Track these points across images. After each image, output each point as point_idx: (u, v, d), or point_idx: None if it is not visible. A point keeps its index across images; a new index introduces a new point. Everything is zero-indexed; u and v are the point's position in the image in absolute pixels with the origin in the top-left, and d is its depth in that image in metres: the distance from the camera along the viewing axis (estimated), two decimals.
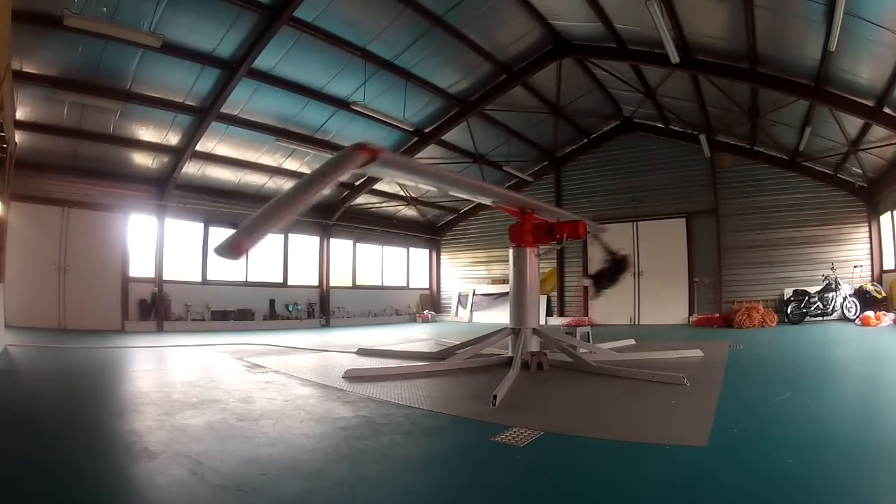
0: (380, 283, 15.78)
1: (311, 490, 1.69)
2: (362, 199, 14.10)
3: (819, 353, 6.05)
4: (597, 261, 6.44)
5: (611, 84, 11.59)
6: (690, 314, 12.23)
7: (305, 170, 12.26)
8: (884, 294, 9.87)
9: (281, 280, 13.19)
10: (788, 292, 10.95)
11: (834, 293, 10.07)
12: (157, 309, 10.49)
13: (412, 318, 15.91)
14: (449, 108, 11.35)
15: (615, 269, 6.00)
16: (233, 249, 2.19)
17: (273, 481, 1.76)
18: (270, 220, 2.33)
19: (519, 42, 9.83)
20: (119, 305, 10.15)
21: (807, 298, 10.28)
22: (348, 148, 2.83)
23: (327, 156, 11.42)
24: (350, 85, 9.56)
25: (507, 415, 2.76)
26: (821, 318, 10.26)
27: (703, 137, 11.51)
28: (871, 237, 10.73)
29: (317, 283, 13.94)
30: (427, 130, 11.79)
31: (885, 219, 10.34)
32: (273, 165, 11.67)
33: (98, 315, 9.74)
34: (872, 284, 10.09)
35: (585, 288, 13.92)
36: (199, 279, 11.59)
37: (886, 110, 7.69)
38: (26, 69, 7.40)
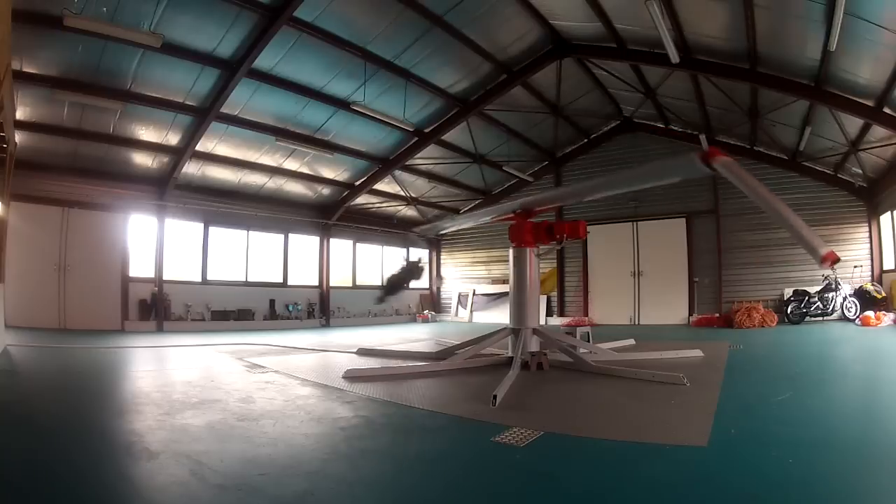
0: (380, 283, 15.77)
1: (311, 490, 1.69)
2: (362, 199, 14.09)
3: (819, 353, 6.05)
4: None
5: (611, 84, 11.59)
6: (690, 314, 12.23)
7: (306, 170, 12.28)
8: (884, 294, 9.86)
9: (281, 280, 13.19)
10: (788, 292, 10.95)
11: (834, 293, 10.07)
12: (157, 309, 10.49)
13: (412, 318, 15.91)
14: (449, 108, 11.34)
15: (408, 273, 6.12)
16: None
17: (273, 481, 1.76)
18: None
19: (519, 42, 9.83)
20: (119, 305, 10.15)
21: (807, 298, 10.28)
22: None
23: (327, 156, 11.45)
24: (350, 85, 9.56)
25: (507, 415, 2.76)
26: (821, 319, 10.25)
27: (703, 137, 11.34)
28: (871, 237, 10.73)
29: (317, 283, 13.93)
30: (427, 130, 11.78)
31: (885, 219, 10.34)
32: (273, 165, 11.67)
33: (98, 315, 9.73)
34: (872, 284, 10.08)
35: (586, 288, 13.93)
36: (199, 279, 11.59)
37: (886, 110, 7.69)
38: (26, 69, 7.40)
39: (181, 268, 11.39)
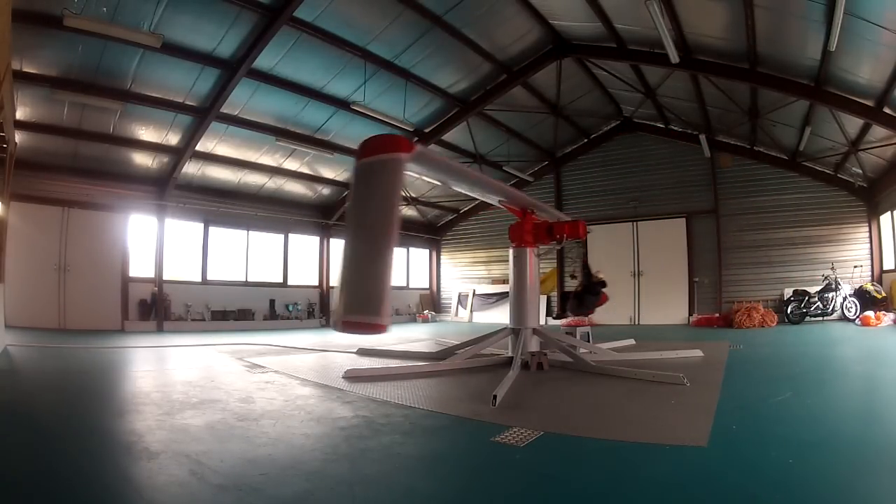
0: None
1: (311, 490, 1.69)
2: None
3: (819, 353, 6.04)
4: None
5: (611, 84, 11.59)
6: (690, 314, 12.22)
7: (306, 170, 12.28)
8: (884, 294, 9.86)
9: (281, 280, 13.19)
10: (788, 292, 10.95)
11: (834, 293, 10.07)
12: (157, 309, 10.49)
13: (412, 318, 15.90)
14: (449, 108, 11.34)
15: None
16: None
17: (273, 481, 1.76)
18: None
19: (519, 42, 9.83)
20: (119, 305, 10.15)
21: (807, 298, 10.28)
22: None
23: (327, 156, 11.46)
24: (350, 85, 9.56)
25: (507, 415, 2.76)
26: (821, 318, 10.25)
27: (703, 137, 11.51)
28: (871, 237, 10.74)
29: (317, 283, 13.94)
30: (427, 130, 11.78)
31: (885, 219, 10.35)
32: (273, 165, 11.67)
33: (98, 315, 9.73)
34: (872, 284, 10.08)
35: None
36: (199, 279, 11.59)
37: (886, 110, 7.69)
38: (26, 69, 7.40)
39: (181, 268, 11.39)
